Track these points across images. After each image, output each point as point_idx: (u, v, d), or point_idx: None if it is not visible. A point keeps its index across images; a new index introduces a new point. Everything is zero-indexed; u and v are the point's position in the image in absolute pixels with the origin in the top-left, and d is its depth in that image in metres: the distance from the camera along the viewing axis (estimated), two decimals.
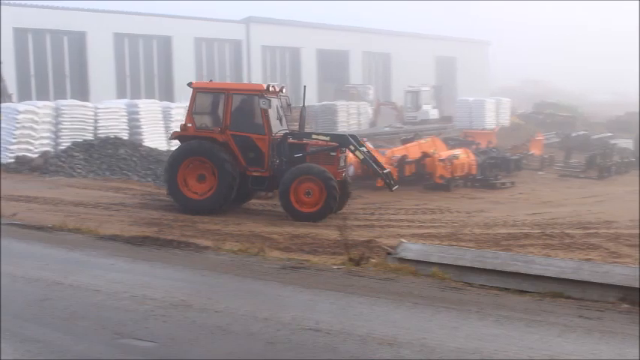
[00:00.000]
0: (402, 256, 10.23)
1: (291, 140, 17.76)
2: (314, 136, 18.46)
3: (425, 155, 23.69)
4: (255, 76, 48.00)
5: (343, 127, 36.90)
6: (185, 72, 42.87)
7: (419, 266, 9.95)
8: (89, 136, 25.38)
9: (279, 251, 12.82)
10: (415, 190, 22.86)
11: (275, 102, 17.84)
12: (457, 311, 8.29)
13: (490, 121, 40.72)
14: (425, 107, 41.71)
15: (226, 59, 48.55)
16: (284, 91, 18.62)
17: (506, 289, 9.27)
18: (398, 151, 24.72)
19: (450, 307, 8.43)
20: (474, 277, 9.57)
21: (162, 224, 15.31)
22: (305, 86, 18.68)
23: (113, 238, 12.64)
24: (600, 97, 60.70)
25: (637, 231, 16.34)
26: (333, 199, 17.04)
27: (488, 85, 63.24)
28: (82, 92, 39.61)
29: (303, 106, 18.29)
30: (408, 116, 41.23)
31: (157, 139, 27.24)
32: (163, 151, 25.53)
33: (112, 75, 42.08)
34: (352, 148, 18.02)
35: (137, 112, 27.17)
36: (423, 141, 26.10)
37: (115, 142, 24.63)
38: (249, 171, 17.54)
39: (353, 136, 18.66)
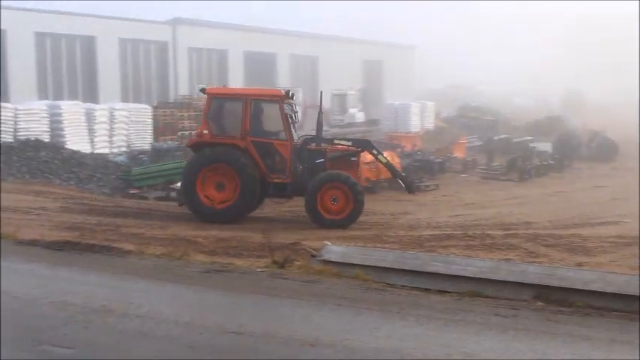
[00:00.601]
0: (325, 258, 10.34)
1: (310, 146, 17.51)
2: (336, 142, 18.40)
3: None
4: (182, 78, 47.55)
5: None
6: (109, 73, 42.15)
7: (342, 268, 10.07)
8: (8, 139, 24.70)
9: (204, 255, 12.74)
10: None
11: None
12: (379, 312, 8.44)
13: (415, 125, 41.33)
14: (351, 110, 42.07)
15: (152, 61, 47.92)
16: (294, 97, 18.08)
17: (427, 289, 9.47)
18: None
19: (371, 308, 8.57)
20: (395, 278, 9.75)
21: (84, 228, 15.01)
22: (321, 92, 18.27)
23: (32, 243, 12.36)
24: (522, 102, 62.41)
25: (554, 232, 16.90)
26: (361, 205, 17.00)
27: (414, 88, 64.16)
28: (1, 93, 38.49)
29: (320, 111, 17.92)
30: (334, 119, 41.48)
31: (80, 141, 26.70)
32: (87, 154, 25.07)
33: (32, 75, 40.99)
34: (375, 152, 18.17)
35: (59, 114, 26.60)
36: None
37: (35, 145, 24.05)
38: (271, 178, 17.19)
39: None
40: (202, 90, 17.90)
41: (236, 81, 50.90)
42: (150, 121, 30.33)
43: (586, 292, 8.74)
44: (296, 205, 20.45)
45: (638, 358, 7.03)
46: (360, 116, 42.32)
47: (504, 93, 61.21)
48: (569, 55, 78.29)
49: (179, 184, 21.77)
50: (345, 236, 15.83)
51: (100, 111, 28.14)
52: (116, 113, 28.75)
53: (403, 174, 18.77)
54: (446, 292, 9.33)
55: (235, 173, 16.72)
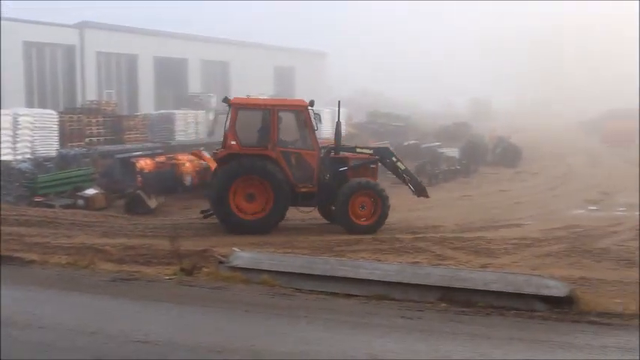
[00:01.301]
0: (233, 264, 10.32)
1: (333, 154, 17.94)
2: (358, 150, 18.72)
3: None
4: (89, 83, 46.48)
5: (181, 137, 36.45)
6: (13, 77, 40.81)
7: (250, 274, 10.08)
8: None
9: (112, 263, 12.54)
10: None
11: None
12: (286, 317, 8.49)
13: (327, 130, 41.56)
14: None
15: (58, 65, 46.68)
16: (313, 105, 18.03)
17: (334, 293, 9.58)
18: None
19: (279, 314, 8.61)
20: (303, 283, 9.82)
21: None
22: (339, 101, 18.44)
23: None
24: (430, 108, 63.74)
25: (461, 235, 17.37)
26: (388, 209, 17.69)
27: (326, 95, 64.69)
28: None
29: (338, 121, 18.19)
30: None
31: None
32: None
33: None
34: (395, 159, 18.75)
35: None
36: None
37: None
38: (298, 187, 17.34)
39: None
40: (226, 101, 17.72)
41: (146, 87, 50.17)
42: (56, 127, 29.47)
43: (487, 292, 9.03)
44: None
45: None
46: None
47: (413, 100, 62.41)
48: (476, 63, 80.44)
49: (88, 191, 21.40)
50: (255, 242, 15.87)
51: (3, 116, 27.18)
52: (20, 119, 27.81)
53: (419, 180, 19.42)
54: (354, 296, 9.46)
55: (269, 184, 16.95)
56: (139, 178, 22.88)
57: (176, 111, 39.50)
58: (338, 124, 18.26)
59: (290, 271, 10.00)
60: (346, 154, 18.24)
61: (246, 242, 15.67)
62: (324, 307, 8.95)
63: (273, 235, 17.16)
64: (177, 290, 9.77)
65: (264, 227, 16.94)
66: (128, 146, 30.36)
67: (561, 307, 8.81)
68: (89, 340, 7.44)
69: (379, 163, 18.85)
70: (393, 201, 23.46)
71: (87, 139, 31.35)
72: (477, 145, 37.70)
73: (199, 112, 41.20)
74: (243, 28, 64.85)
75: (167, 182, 22.87)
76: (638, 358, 7.21)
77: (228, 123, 17.51)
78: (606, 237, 17.28)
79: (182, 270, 10.75)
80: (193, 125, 39.18)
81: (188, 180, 23.26)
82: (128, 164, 24.03)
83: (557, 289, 8.86)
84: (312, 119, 17.33)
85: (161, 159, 24.49)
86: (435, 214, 21.09)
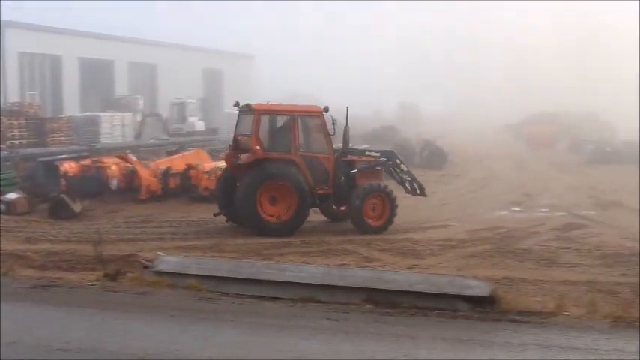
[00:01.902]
0: (159, 269, 10.20)
1: (345, 158, 18.60)
2: (367, 153, 19.51)
3: (190, 167, 23.67)
4: (11, 84, 45.20)
5: (107, 139, 35.81)
6: None
7: (176, 278, 9.97)
8: None
9: (33, 269, 12.25)
10: (180, 203, 22.75)
11: None
12: (212, 321, 8.44)
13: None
14: (191, 119, 41.67)
15: None
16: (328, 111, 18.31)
17: (261, 296, 9.56)
18: (162, 163, 24.47)
19: (205, 318, 8.56)
20: (230, 286, 9.78)
21: None
22: (348, 107, 18.38)
23: None
24: (360, 112, 64.15)
25: (388, 236, 17.57)
26: (396, 210, 18.43)
27: (255, 98, 64.51)
28: None
29: (347, 125, 18.54)
30: (174, 128, 40.92)
31: None
32: None
33: None
34: (399, 161, 19.56)
35: None
36: (187, 153, 26.05)
37: None
38: (315, 190, 17.83)
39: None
40: (248, 105, 18.07)
41: (71, 89, 49.10)
42: None
43: (412, 293, 9.16)
44: (135, 216, 20.09)
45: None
46: (200, 125, 41.99)
47: (345, 104, 62.77)
48: (404, 67, 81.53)
49: (10, 195, 20.80)
50: (183, 246, 15.73)
51: None
52: None
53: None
54: (280, 298, 9.46)
55: (293, 188, 17.37)
56: (63, 182, 22.37)
57: (102, 113, 38.83)
58: (346, 128, 18.69)
59: (216, 274, 9.95)
60: (354, 157, 19.01)
61: (173, 246, 15.52)
62: (249, 311, 8.92)
63: (201, 238, 17.05)
64: (100, 296, 9.60)
65: (289, 229, 17.47)
66: (52, 149, 29.63)
67: (483, 307, 9.01)
68: (6, 350, 7.23)
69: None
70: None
71: (8, 142, 30.45)
72: (405, 148, 38.15)
73: (126, 114, 40.60)
74: (171, 30, 64.12)
75: (92, 186, 22.41)
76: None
77: (243, 128, 18.42)
78: (528, 237, 17.74)
79: (106, 275, 10.56)
80: (120, 128, 38.60)
81: (114, 183, 22.85)
82: (52, 168, 23.44)
83: (479, 289, 9.06)
84: (331, 124, 17.94)
85: (86, 162, 23.98)
86: None
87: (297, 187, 17.41)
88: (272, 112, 18.56)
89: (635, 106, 63.78)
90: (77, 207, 20.28)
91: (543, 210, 22.64)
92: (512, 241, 17.14)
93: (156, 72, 58.57)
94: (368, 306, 9.14)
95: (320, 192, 18.10)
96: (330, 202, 18.62)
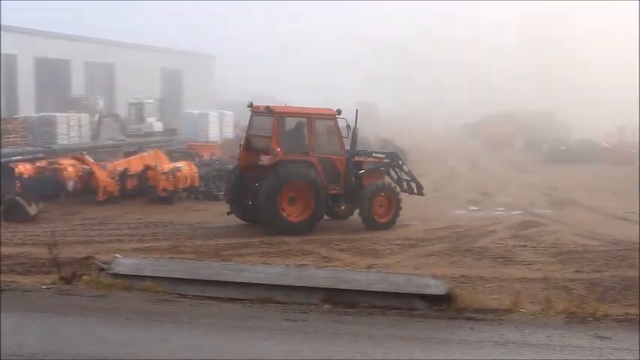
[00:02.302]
0: (115, 271, 10.08)
1: (354, 159, 19.32)
2: (374, 154, 20.53)
3: (147, 168, 23.48)
4: None
5: (63, 140, 35.23)
6: None
7: (133, 281, 9.87)
8: None
9: None
10: (138, 204, 22.57)
11: None
12: (169, 323, 8.37)
13: (214, 134, 41.37)
14: (149, 120, 41.26)
15: None
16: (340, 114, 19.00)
17: (219, 298, 9.51)
18: (120, 164, 24.21)
19: (162, 320, 8.48)
20: (187, 288, 9.72)
21: None
22: (357, 110, 19.07)
23: None
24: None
25: (347, 236, 17.65)
26: (400, 207, 19.25)
27: (213, 98, 64.20)
28: None
29: (355, 126, 19.01)
30: (131, 129, 40.48)
31: None
32: None
33: None
34: (401, 162, 20.54)
35: None
36: (145, 154, 25.82)
37: None
38: (328, 189, 18.41)
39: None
40: (268, 108, 18.44)
41: (26, 88, 48.27)
42: None
43: (370, 292, 9.20)
44: (92, 218, 19.86)
45: None
46: (158, 125, 41.55)
47: (302, 103, 62.82)
48: (362, 67, 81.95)
49: None
50: (140, 248, 15.61)
51: None
52: None
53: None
54: (238, 300, 9.43)
55: (312, 188, 17.93)
56: (18, 184, 22.02)
57: (58, 114, 38.17)
58: (355, 131, 19.19)
59: (174, 276, 9.88)
60: (362, 158, 19.78)
61: (130, 248, 15.39)
62: (207, 312, 8.87)
63: (159, 240, 16.94)
64: (55, 300, 9.45)
65: (308, 228, 18.01)
66: (6, 150, 29.08)
67: (440, 305, 9.09)
68: None
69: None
70: None
71: None
72: (363, 147, 38.26)
73: (82, 115, 40.01)
74: (128, 30, 63.47)
75: (48, 188, 22.07)
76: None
77: (257, 129, 19.04)
78: (485, 236, 17.96)
79: (61, 279, 10.40)
80: (76, 128, 38.00)
81: (70, 185, 22.55)
82: (6, 169, 23.05)
83: (437, 288, 9.14)
84: (346, 127, 18.74)
85: (42, 163, 23.64)
86: None
87: (315, 187, 18.01)
88: (290, 114, 19.11)
89: (590, 107, 65.04)
90: (32, 209, 19.94)
91: (500, 209, 22.94)
92: (470, 240, 17.34)
93: (113, 72, 57.91)
94: (326, 306, 9.16)
95: (332, 192, 18.71)
96: (340, 201, 19.28)
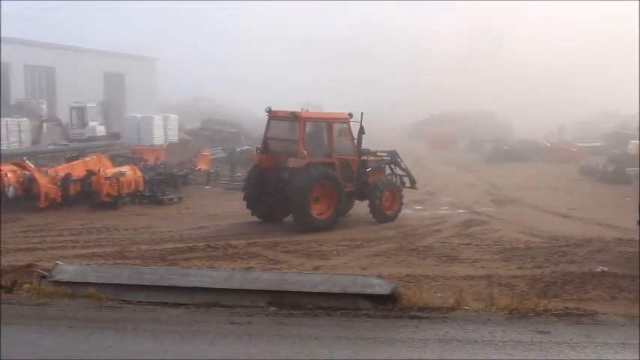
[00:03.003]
0: (57, 279, 9.90)
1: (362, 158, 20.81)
2: (377, 153, 21.75)
3: (90, 173, 23.14)
4: None
5: (3, 146, 34.48)
6: None
7: (75, 288, 9.70)
8: None
9: None
10: (81, 210, 22.24)
11: None
12: (112, 330, 8.26)
13: (159, 138, 40.91)
14: (92, 124, 40.61)
15: None
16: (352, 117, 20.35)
17: (164, 303, 9.42)
18: (62, 169, 23.79)
19: (105, 327, 8.36)
20: (132, 294, 9.59)
21: None
22: (362, 112, 19.63)
23: None
24: (263, 115, 64.00)
25: (293, 238, 17.67)
26: (402, 202, 21.07)
27: (157, 101, 63.56)
28: None
29: (361, 127, 19.99)
30: (73, 133, 39.80)
31: None
32: None
33: None
34: (399, 160, 22.14)
35: None
36: (88, 159, 25.44)
37: None
38: (345, 188, 19.80)
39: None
40: (293, 113, 19.39)
41: None
42: None
43: (315, 294, 9.22)
44: (34, 225, 19.46)
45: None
46: (100, 130, 40.91)
47: (246, 106, 62.60)
48: (308, 68, 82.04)
49: None
50: (84, 254, 15.38)
51: None
52: None
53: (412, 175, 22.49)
54: (183, 304, 9.35)
55: (334, 188, 19.29)
56: None
57: None
58: (360, 129, 20.26)
59: (117, 282, 9.74)
60: (366, 157, 21.14)
61: (73, 255, 15.15)
62: (151, 318, 8.77)
63: (103, 245, 16.74)
64: None
65: (332, 224, 19.30)
66: None
67: (385, 305, 9.16)
68: None
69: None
70: (224, 207, 23.69)
71: None
72: None
73: (22, 119, 39.24)
74: (70, 33, 62.35)
75: None
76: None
77: (276, 132, 20.34)
78: (430, 235, 18.20)
79: (1, 287, 10.15)
80: (16, 133, 37.25)
81: (11, 191, 22.08)
82: None
83: (381, 288, 9.21)
84: (360, 129, 20.05)
85: None
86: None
87: (337, 186, 19.36)
88: (313, 119, 20.24)
89: (531, 106, 66.32)
90: None
91: (445, 208, 23.27)
92: (415, 239, 17.55)
93: (54, 75, 56.87)
94: (272, 309, 9.14)
95: (347, 190, 19.95)
96: (353, 198, 20.70)
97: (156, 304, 9.40)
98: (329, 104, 71.63)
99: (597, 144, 43.16)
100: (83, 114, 40.64)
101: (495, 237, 17.81)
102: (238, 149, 37.16)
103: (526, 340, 7.97)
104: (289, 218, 19.68)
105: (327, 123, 19.96)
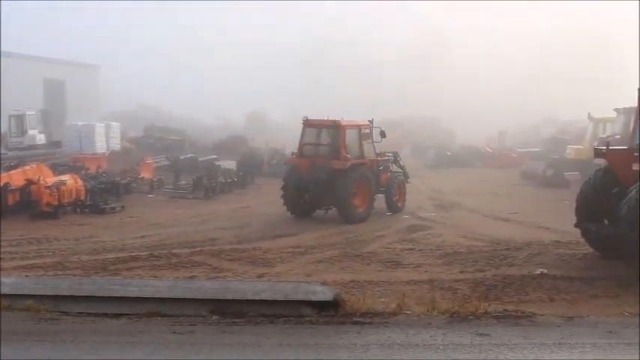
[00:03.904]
0: None
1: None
2: (386, 154, 24.85)
3: (30, 182, 22.67)
4: None
5: None
6: None
7: (13, 300, 9.50)
8: None
9: None
10: (20, 220, 21.71)
11: None
12: (51, 343, 8.12)
13: (101, 146, 40.33)
14: (31, 132, 39.84)
15: None
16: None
17: (104, 314, 9.29)
18: (0, 178, 23.26)
19: (43, 340, 8.21)
20: (71, 305, 9.44)
21: None
22: (372, 119, 23.76)
23: None
24: (207, 122, 63.91)
25: (238, 246, 17.58)
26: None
27: (100, 109, 62.71)
28: None
29: (382, 131, 23.21)
30: (12, 142, 38.98)
31: None
32: None
33: None
34: (399, 159, 25.78)
35: None
36: (27, 168, 24.92)
37: None
38: None
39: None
40: (334, 122, 22.70)
41: None
42: None
43: (257, 301, 9.21)
44: None
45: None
46: (40, 138, 40.17)
47: (189, 114, 62.27)
48: (251, 76, 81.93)
49: None
50: (23, 266, 15.05)
51: None
52: None
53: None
54: (124, 315, 9.24)
55: (367, 185, 22.46)
56: None
57: None
58: (381, 135, 23.35)
59: (57, 294, 9.57)
60: (378, 157, 23.84)
61: (12, 267, 14.80)
62: (91, 329, 8.64)
63: (44, 256, 16.40)
64: None
65: (368, 216, 22.27)
66: None
67: (328, 311, 9.20)
68: None
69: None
70: (167, 215, 23.48)
71: None
72: (254, 157, 38.40)
73: None
74: (8, 39, 61.08)
75: None
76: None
77: (311, 139, 23.11)
78: (374, 241, 18.31)
79: None
80: None
81: None
82: None
83: (323, 294, 9.25)
84: (380, 133, 23.18)
85: None
86: (212, 226, 21.15)
87: (370, 184, 22.45)
88: (349, 126, 23.01)
89: (473, 112, 67.40)
90: None
91: (388, 213, 23.42)
92: (359, 245, 17.63)
93: None
94: (214, 317, 9.10)
95: None
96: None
97: (96, 315, 9.27)
98: (273, 112, 72.01)
99: (537, 149, 44.11)
100: (22, 122, 39.86)
101: (438, 242, 18.01)
102: (182, 157, 36.89)
103: (466, 343, 8.11)
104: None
105: (357, 129, 23.01)
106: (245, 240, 18.50)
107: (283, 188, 22.75)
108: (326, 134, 22.85)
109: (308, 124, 23.22)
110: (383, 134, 23.12)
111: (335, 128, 22.56)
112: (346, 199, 21.64)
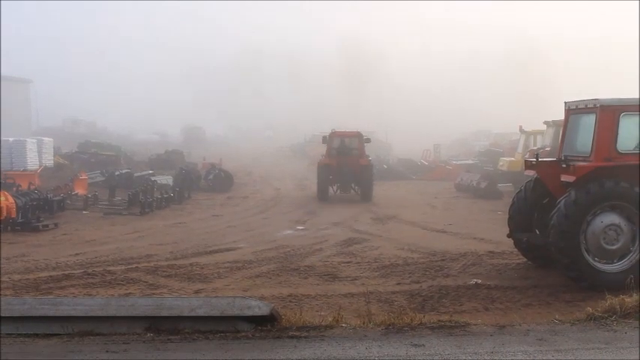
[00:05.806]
0: None
1: None
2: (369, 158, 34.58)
3: None
4: None
5: None
6: None
7: None
8: None
9: None
10: None
11: None
12: None
13: (32, 162, 39.42)
14: None
15: None
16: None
17: (35, 334, 9.07)
18: None
19: None
20: (1, 327, 9.17)
21: None
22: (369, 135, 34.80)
23: None
24: (144, 137, 63.16)
25: (174, 262, 17.38)
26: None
27: (31, 124, 61.42)
28: None
29: (367, 138, 33.84)
30: None
31: None
32: None
33: None
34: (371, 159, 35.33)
35: None
36: None
37: None
38: None
39: None
40: (358, 133, 34.58)
41: None
42: None
43: (193, 318, 9.13)
44: None
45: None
46: None
47: (125, 129, 61.48)
48: (188, 92, 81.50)
49: None
50: None
51: None
52: None
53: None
54: (55, 335, 9.03)
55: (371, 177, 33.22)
56: None
57: None
58: (367, 140, 33.62)
59: None
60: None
61: None
62: (21, 351, 8.41)
63: None
64: None
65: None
66: None
67: (265, 326, 9.18)
68: None
69: None
70: (102, 232, 23.10)
71: None
72: (190, 172, 38.14)
73: None
74: None
75: None
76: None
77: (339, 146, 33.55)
78: (312, 254, 18.33)
79: None
80: None
81: None
82: None
83: (259, 309, 9.22)
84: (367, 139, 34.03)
85: None
86: (148, 242, 20.86)
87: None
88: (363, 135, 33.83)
89: (409, 126, 68.34)
90: None
91: (326, 227, 23.50)
92: (297, 259, 17.63)
93: None
94: (149, 335, 8.98)
95: None
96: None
97: (26, 335, 9.03)
98: (210, 127, 71.69)
99: (471, 161, 44.94)
100: None
101: (375, 254, 18.14)
102: (117, 172, 36.36)
103: (401, 354, 8.18)
104: None
105: (358, 138, 33.28)
106: (182, 256, 18.30)
107: (318, 183, 32.33)
108: (347, 141, 33.26)
109: (337, 134, 33.69)
110: (368, 140, 33.32)
111: (359, 137, 33.17)
112: (369, 185, 32.00)
